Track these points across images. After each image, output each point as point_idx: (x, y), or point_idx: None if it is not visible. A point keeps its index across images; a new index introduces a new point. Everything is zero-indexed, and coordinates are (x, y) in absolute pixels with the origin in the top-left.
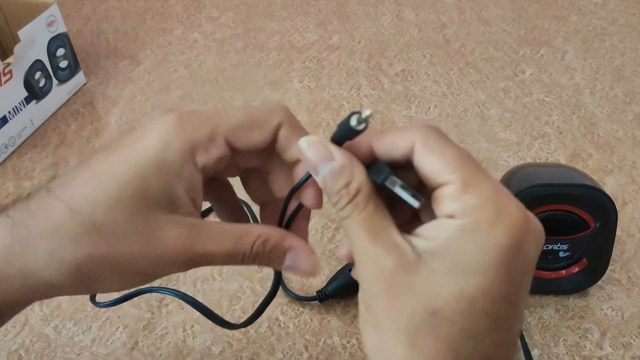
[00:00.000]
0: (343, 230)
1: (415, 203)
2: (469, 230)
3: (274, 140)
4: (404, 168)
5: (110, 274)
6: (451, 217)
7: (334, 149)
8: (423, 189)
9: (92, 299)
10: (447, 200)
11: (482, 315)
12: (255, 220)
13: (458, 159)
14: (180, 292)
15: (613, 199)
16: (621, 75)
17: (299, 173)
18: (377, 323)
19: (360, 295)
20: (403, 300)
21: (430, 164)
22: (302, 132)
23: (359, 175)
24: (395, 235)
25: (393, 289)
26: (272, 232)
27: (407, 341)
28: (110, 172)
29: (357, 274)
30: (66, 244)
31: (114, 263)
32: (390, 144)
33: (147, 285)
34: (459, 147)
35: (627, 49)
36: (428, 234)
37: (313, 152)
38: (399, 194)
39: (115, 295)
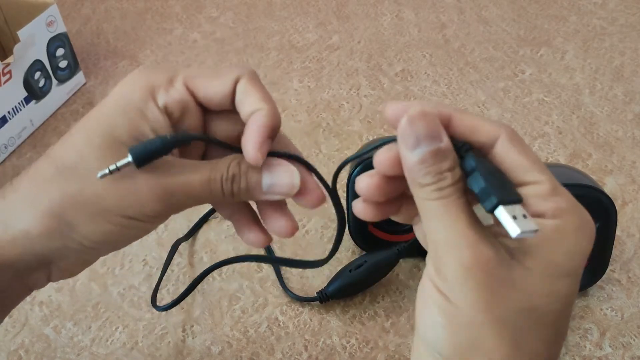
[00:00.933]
0: (427, 211)
1: (531, 234)
2: (562, 233)
3: (233, 94)
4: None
5: (84, 216)
6: (541, 216)
7: (443, 131)
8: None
9: (153, 303)
10: (538, 199)
11: (566, 317)
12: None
13: (540, 163)
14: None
15: (613, 199)
16: (621, 75)
17: (251, 128)
18: (465, 315)
19: (435, 284)
20: (505, 294)
21: (520, 159)
22: (261, 88)
23: (459, 169)
24: (488, 230)
25: (494, 282)
26: (247, 152)
27: (509, 337)
28: (84, 121)
29: (439, 260)
30: (40, 188)
31: (86, 202)
32: (473, 126)
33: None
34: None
35: (627, 48)
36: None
37: (422, 126)
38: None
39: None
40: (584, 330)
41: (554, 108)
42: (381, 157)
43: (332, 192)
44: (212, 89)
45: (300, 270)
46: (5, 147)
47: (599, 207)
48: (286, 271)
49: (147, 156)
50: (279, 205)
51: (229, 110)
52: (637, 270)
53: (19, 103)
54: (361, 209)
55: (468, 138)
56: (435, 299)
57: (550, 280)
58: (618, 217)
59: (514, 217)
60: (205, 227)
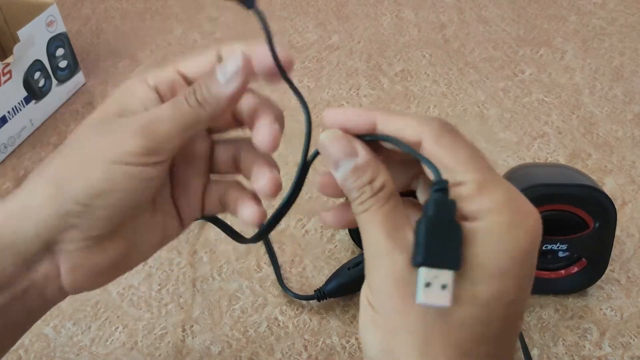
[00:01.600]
0: (359, 224)
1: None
2: (484, 235)
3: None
4: (402, 164)
5: (73, 173)
6: (466, 219)
7: (357, 144)
8: (426, 183)
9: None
10: (462, 201)
11: (495, 321)
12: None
13: (471, 159)
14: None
15: (612, 199)
16: (620, 75)
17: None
18: (385, 322)
19: (365, 293)
20: (416, 305)
21: (442, 161)
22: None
23: (384, 172)
24: (411, 234)
25: (406, 288)
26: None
27: (419, 343)
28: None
29: (367, 270)
30: (43, 167)
31: (74, 160)
32: (397, 129)
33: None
34: (472, 145)
35: (627, 49)
36: None
37: (336, 147)
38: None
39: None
40: (583, 330)
41: (553, 108)
42: (322, 180)
43: (304, 167)
44: (197, 65)
45: (300, 269)
46: (5, 147)
47: (598, 207)
48: (285, 271)
49: None
50: (268, 165)
51: None
52: (636, 270)
53: (18, 103)
54: (329, 217)
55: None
56: (365, 308)
57: (466, 284)
58: (618, 217)
59: (427, 284)
60: (205, 227)
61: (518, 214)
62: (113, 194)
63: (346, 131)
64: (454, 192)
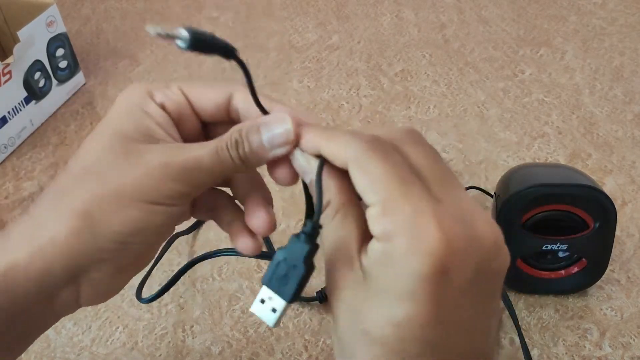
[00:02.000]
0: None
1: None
2: (389, 257)
3: (227, 105)
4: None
5: (107, 207)
6: (377, 239)
7: (312, 161)
8: None
9: (138, 295)
10: (370, 222)
11: (412, 340)
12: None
13: (383, 179)
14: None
15: (612, 199)
16: (620, 75)
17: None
18: (334, 333)
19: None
20: (343, 317)
21: (360, 183)
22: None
23: (330, 189)
24: (353, 250)
25: (339, 304)
26: (245, 122)
27: (348, 357)
28: (94, 132)
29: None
30: (62, 195)
31: (107, 194)
32: (331, 155)
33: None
34: (393, 162)
35: (627, 48)
36: (367, 250)
37: (297, 164)
38: None
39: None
40: (583, 330)
41: (553, 108)
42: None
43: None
44: (206, 97)
45: None
46: (5, 147)
47: (598, 207)
48: None
49: (200, 38)
50: (264, 203)
51: (226, 122)
52: (636, 270)
53: (19, 103)
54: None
55: (335, 164)
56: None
57: (383, 303)
58: (618, 217)
59: (262, 301)
60: (205, 227)
61: (417, 237)
62: (149, 230)
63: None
64: (367, 213)
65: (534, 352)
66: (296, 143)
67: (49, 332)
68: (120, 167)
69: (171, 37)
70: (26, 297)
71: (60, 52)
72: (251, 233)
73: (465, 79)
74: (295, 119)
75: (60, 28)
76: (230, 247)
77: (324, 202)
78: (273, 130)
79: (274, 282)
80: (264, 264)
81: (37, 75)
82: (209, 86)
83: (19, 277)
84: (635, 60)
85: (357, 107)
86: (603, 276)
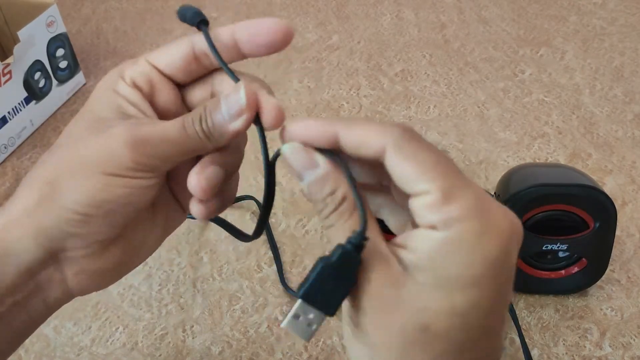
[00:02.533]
0: (327, 238)
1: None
2: (455, 244)
3: (193, 56)
4: (372, 165)
5: (70, 177)
6: (433, 228)
7: (317, 155)
8: (397, 191)
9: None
10: (427, 211)
11: (475, 328)
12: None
13: (436, 166)
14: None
15: (612, 199)
16: (621, 75)
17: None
18: (366, 339)
19: (345, 311)
20: (393, 315)
21: (405, 170)
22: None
23: (345, 183)
24: (382, 246)
25: (382, 304)
26: (212, 99)
27: (398, 358)
28: (74, 118)
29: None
30: (35, 169)
31: (71, 163)
32: (359, 142)
33: None
34: (437, 150)
35: (627, 49)
36: (412, 245)
37: (296, 159)
38: None
39: None
40: (583, 330)
41: (553, 108)
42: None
43: (269, 167)
44: (169, 55)
45: (300, 269)
46: (5, 147)
47: (598, 207)
48: (287, 271)
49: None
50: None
51: (202, 80)
52: (636, 270)
53: (19, 103)
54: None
55: (358, 155)
56: (347, 322)
57: (442, 295)
58: (618, 217)
59: (297, 316)
60: (205, 227)
61: (487, 220)
62: (111, 203)
63: (306, 145)
64: (419, 202)
65: (534, 352)
66: (255, 118)
67: (49, 332)
68: (86, 140)
69: None
70: (6, 275)
71: (60, 52)
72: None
73: (465, 79)
74: (248, 87)
75: (60, 28)
76: (241, 254)
77: (338, 197)
78: (230, 102)
79: (314, 297)
80: (264, 264)
81: (37, 75)
82: (170, 45)
83: None
84: (635, 60)
85: (357, 107)
86: (603, 276)
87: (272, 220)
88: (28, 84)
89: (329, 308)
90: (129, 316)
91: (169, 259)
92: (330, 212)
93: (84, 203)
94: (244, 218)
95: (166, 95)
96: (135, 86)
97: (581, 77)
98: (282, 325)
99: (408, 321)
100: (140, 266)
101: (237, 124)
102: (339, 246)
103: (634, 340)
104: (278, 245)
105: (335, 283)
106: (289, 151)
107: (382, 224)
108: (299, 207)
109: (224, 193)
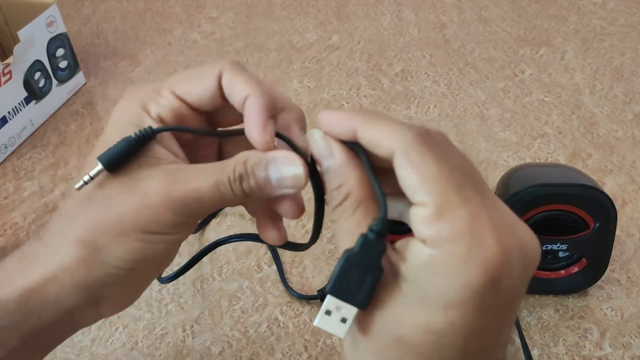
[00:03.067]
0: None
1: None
2: (440, 263)
3: (220, 89)
4: (388, 166)
5: (110, 237)
6: (424, 242)
7: (335, 147)
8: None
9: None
10: (421, 223)
11: (452, 349)
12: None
13: (438, 178)
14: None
15: (612, 199)
16: (621, 75)
17: (248, 115)
18: (354, 340)
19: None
20: (374, 321)
21: (408, 178)
22: (245, 73)
23: (352, 180)
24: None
25: (369, 311)
26: (251, 152)
27: None
28: (94, 152)
29: None
30: (67, 222)
31: (109, 224)
32: (373, 140)
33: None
34: (445, 160)
35: (627, 48)
36: (404, 253)
37: (315, 146)
38: None
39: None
40: (583, 330)
41: (553, 108)
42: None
43: (312, 168)
44: (197, 90)
45: (300, 269)
46: (5, 147)
47: (598, 207)
48: (287, 271)
49: (114, 159)
50: (275, 218)
51: (228, 106)
52: (636, 270)
53: (19, 103)
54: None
55: (374, 152)
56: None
57: (421, 310)
58: (618, 217)
59: (328, 312)
60: (205, 227)
61: (475, 246)
62: (152, 257)
63: (329, 134)
64: (416, 212)
65: (534, 352)
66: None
67: None
68: (120, 197)
69: None
70: (43, 318)
71: (60, 52)
72: (277, 225)
73: (465, 79)
74: (301, 158)
75: (60, 28)
76: (241, 254)
77: (342, 193)
78: (282, 171)
79: (342, 290)
80: (264, 263)
81: (37, 75)
82: (197, 76)
83: (36, 300)
84: (635, 60)
85: (358, 107)
86: (603, 276)
87: None
88: (28, 84)
89: (360, 300)
90: (129, 316)
91: None
92: (335, 205)
93: (126, 260)
94: (231, 231)
95: (194, 123)
96: (162, 122)
97: (581, 77)
98: (315, 323)
99: (386, 329)
100: None
101: (288, 192)
102: (361, 235)
103: (634, 340)
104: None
105: (361, 273)
106: (311, 138)
107: (397, 226)
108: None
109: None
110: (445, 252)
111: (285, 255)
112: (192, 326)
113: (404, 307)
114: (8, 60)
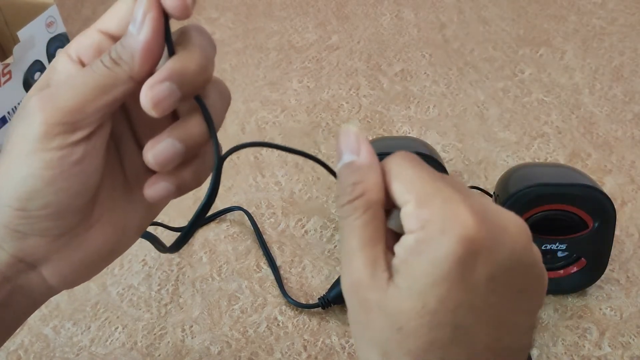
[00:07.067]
0: (339, 227)
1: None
2: (423, 243)
3: None
4: None
5: (5, 173)
6: (411, 233)
7: (364, 146)
8: None
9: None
10: (407, 219)
11: (444, 325)
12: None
13: (416, 179)
14: None
15: (612, 199)
16: (620, 75)
17: None
18: (357, 332)
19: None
20: (374, 317)
21: (393, 188)
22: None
23: (371, 180)
24: (379, 250)
25: (366, 306)
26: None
27: (380, 355)
28: None
29: (342, 277)
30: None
31: (8, 159)
32: (391, 193)
33: None
34: (423, 168)
35: (627, 48)
36: (396, 250)
37: (345, 138)
38: None
39: None
40: (582, 330)
41: (553, 108)
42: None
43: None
44: (117, 18)
45: (299, 271)
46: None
47: (598, 206)
48: (285, 271)
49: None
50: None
51: None
52: (636, 269)
53: (18, 103)
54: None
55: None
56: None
57: (415, 295)
58: (617, 217)
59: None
60: (205, 227)
61: (449, 220)
62: (44, 190)
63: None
64: (402, 213)
65: (534, 352)
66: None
67: (48, 332)
68: (12, 131)
69: None
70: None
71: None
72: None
73: (465, 79)
74: None
75: (60, 28)
76: (241, 254)
77: (358, 190)
78: (134, 13)
79: None
80: (263, 263)
81: (37, 75)
82: (117, 3)
83: None
84: (635, 60)
85: (357, 107)
86: (602, 276)
87: (271, 220)
88: (28, 84)
89: None
90: (128, 316)
91: (168, 259)
92: (347, 201)
93: (14, 197)
94: (230, 231)
95: None
96: (81, 62)
97: (581, 77)
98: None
99: (385, 323)
100: (140, 266)
101: (144, 32)
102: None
103: (633, 340)
104: (277, 246)
105: None
106: (345, 130)
107: None
108: (298, 207)
109: (181, 173)
110: (426, 231)
111: (285, 255)
112: (191, 326)
113: (400, 299)
114: (8, 61)
